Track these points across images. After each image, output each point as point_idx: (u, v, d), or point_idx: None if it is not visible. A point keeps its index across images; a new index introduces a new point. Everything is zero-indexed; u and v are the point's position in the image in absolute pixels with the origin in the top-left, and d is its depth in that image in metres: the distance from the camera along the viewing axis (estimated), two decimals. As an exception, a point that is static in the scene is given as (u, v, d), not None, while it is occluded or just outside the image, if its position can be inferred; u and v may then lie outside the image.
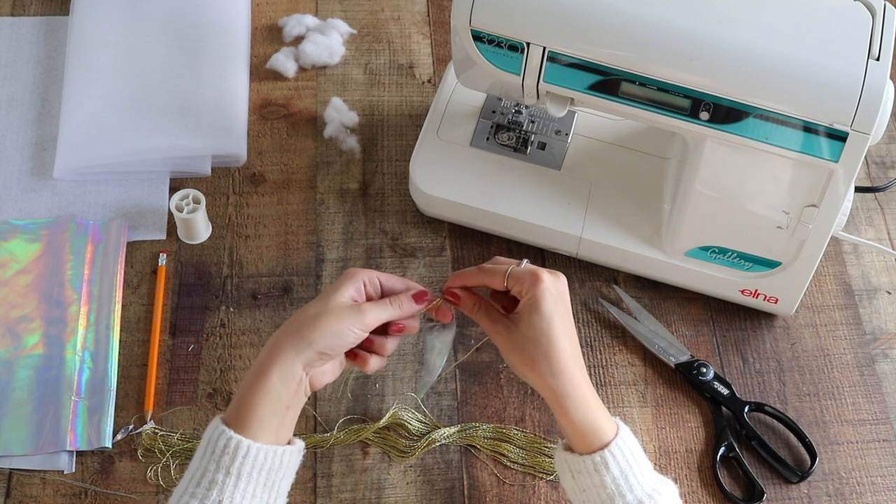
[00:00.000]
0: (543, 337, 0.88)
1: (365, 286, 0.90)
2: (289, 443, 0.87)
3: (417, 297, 0.91)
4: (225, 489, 0.82)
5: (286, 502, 0.87)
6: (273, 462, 0.84)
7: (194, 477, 0.83)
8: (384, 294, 0.92)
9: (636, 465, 0.88)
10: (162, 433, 1.04)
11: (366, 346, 0.91)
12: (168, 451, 1.03)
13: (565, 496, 1.01)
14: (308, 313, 0.87)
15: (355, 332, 0.87)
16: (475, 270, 0.93)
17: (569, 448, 0.90)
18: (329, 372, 0.89)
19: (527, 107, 1.19)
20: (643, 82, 0.98)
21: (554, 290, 0.89)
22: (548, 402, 0.89)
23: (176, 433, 1.04)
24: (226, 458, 0.82)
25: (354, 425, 1.05)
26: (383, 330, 0.91)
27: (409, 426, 1.05)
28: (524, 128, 1.18)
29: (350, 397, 1.07)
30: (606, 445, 0.87)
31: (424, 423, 1.06)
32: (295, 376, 0.85)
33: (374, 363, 0.92)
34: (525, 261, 0.92)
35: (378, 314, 0.88)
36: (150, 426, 1.04)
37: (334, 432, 1.05)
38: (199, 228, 1.16)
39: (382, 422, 1.05)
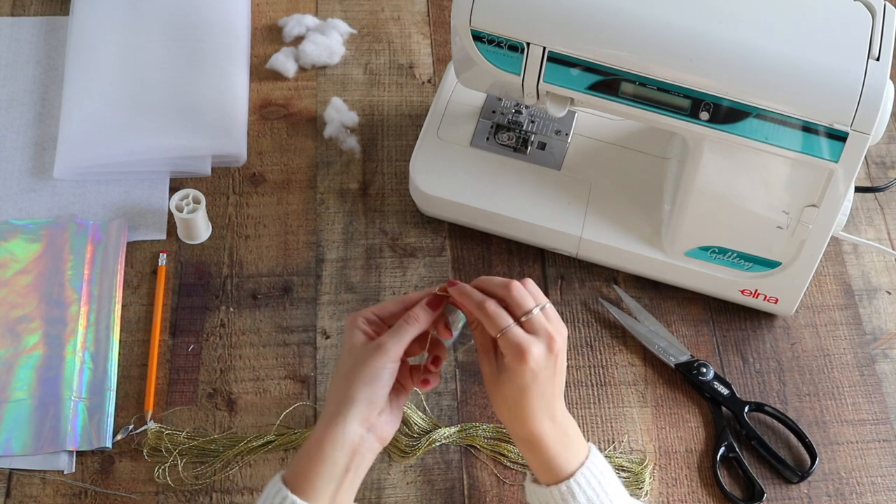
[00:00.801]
0: (512, 399, 0.87)
1: (369, 323, 0.89)
2: None
3: (432, 303, 0.90)
4: None
5: None
6: None
7: None
8: (387, 321, 0.91)
9: (607, 488, 0.87)
10: (168, 432, 1.04)
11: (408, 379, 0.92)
12: (175, 450, 1.03)
13: None
14: (340, 375, 0.87)
15: (387, 367, 0.86)
16: (480, 302, 0.88)
17: (536, 480, 0.90)
18: (389, 419, 0.88)
19: (527, 107, 1.19)
20: (643, 82, 0.98)
21: (539, 368, 0.86)
22: (513, 440, 0.90)
23: (182, 431, 1.04)
24: None
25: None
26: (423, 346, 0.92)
27: (412, 421, 1.05)
28: (524, 128, 1.18)
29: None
30: (572, 475, 0.87)
31: (426, 420, 1.06)
32: (350, 441, 0.85)
33: (432, 381, 0.92)
34: (541, 306, 0.87)
35: (397, 339, 0.87)
36: (155, 426, 1.04)
37: None
38: (199, 228, 1.16)
39: None
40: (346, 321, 0.90)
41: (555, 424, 0.88)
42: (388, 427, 0.88)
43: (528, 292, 0.88)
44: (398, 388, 0.90)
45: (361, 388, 0.85)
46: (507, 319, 0.86)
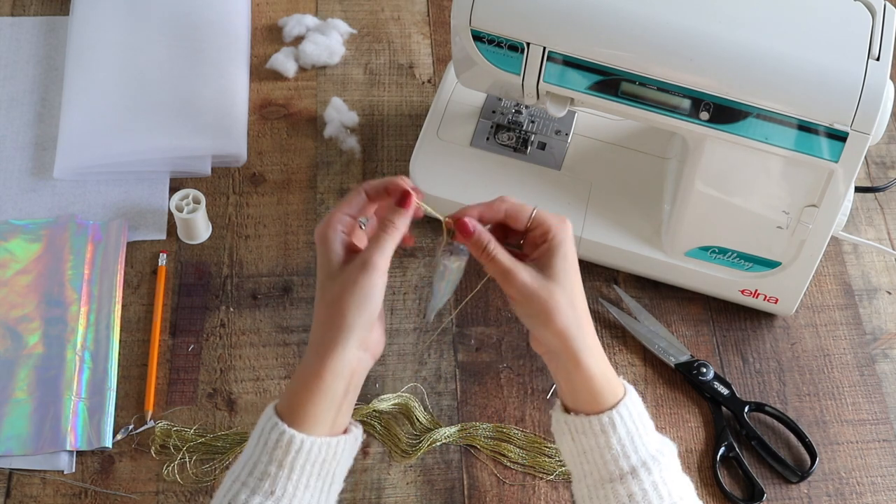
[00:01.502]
0: (569, 284, 0.84)
1: (344, 231, 0.85)
2: (345, 430, 0.85)
3: (401, 202, 0.84)
4: (278, 481, 0.80)
5: (341, 487, 0.85)
6: (328, 454, 0.82)
7: (246, 466, 0.82)
8: (357, 216, 0.87)
9: (642, 426, 0.86)
10: (176, 429, 1.04)
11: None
12: (183, 447, 1.03)
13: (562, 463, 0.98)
14: (327, 301, 0.83)
15: (378, 284, 0.82)
16: (496, 202, 0.86)
17: (568, 410, 0.87)
18: (380, 331, 0.86)
19: (527, 107, 1.19)
20: (643, 82, 0.98)
21: (571, 236, 0.86)
22: (561, 357, 0.85)
23: (191, 428, 1.04)
24: (279, 451, 0.81)
25: (359, 405, 1.06)
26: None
27: (415, 415, 1.05)
28: (524, 128, 1.18)
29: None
30: (615, 406, 0.85)
31: (427, 419, 1.06)
32: (348, 367, 0.82)
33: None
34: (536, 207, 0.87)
35: (382, 252, 0.82)
36: (162, 423, 1.04)
37: None
38: (199, 228, 1.16)
39: (393, 398, 1.06)
40: (315, 232, 0.84)
41: (596, 343, 0.86)
42: (380, 340, 0.86)
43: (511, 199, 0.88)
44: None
45: (356, 314, 0.81)
46: (529, 206, 0.86)
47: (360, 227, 0.88)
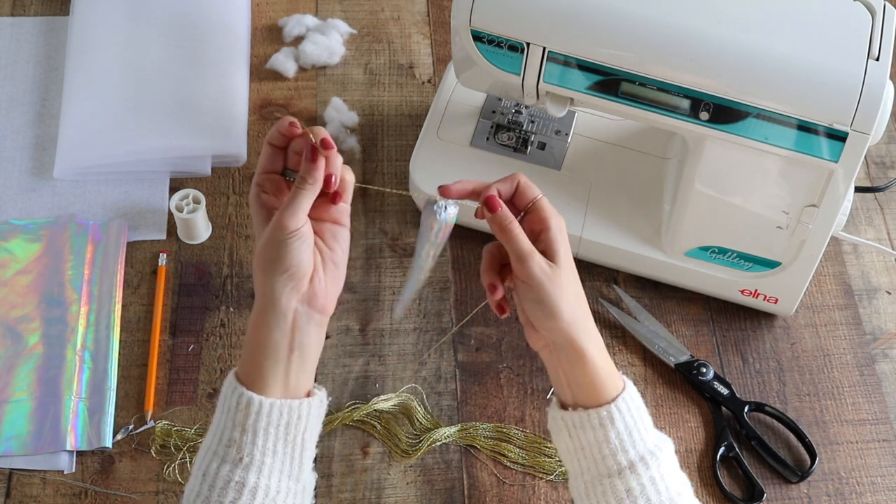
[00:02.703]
0: (573, 276, 0.85)
1: (264, 186, 0.85)
2: (309, 394, 0.85)
3: (313, 156, 0.83)
4: (244, 446, 0.80)
5: (315, 454, 0.85)
6: (290, 416, 0.82)
7: (216, 435, 0.82)
8: (280, 167, 0.86)
9: (640, 420, 0.86)
10: (176, 429, 1.04)
11: (331, 222, 0.86)
12: (184, 447, 1.03)
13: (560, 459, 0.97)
14: (255, 264, 0.83)
15: (290, 241, 0.81)
16: (511, 177, 0.87)
17: (564, 406, 0.87)
18: (327, 281, 0.84)
19: (527, 107, 1.19)
20: (643, 82, 0.98)
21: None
22: (564, 349, 0.85)
23: (191, 428, 1.04)
24: (239, 415, 0.81)
25: (358, 404, 1.06)
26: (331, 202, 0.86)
27: (416, 415, 1.05)
28: (524, 128, 1.18)
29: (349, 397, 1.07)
30: (614, 399, 0.85)
31: (427, 418, 1.06)
32: (284, 318, 0.82)
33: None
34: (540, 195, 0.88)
35: (291, 210, 0.81)
36: (163, 423, 1.04)
37: (342, 411, 1.05)
38: (199, 228, 1.16)
39: (393, 398, 1.06)
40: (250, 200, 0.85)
41: (597, 334, 0.87)
42: (329, 291, 0.84)
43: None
44: (329, 235, 0.86)
45: (274, 271, 0.81)
46: (537, 190, 0.87)
47: (288, 180, 0.86)
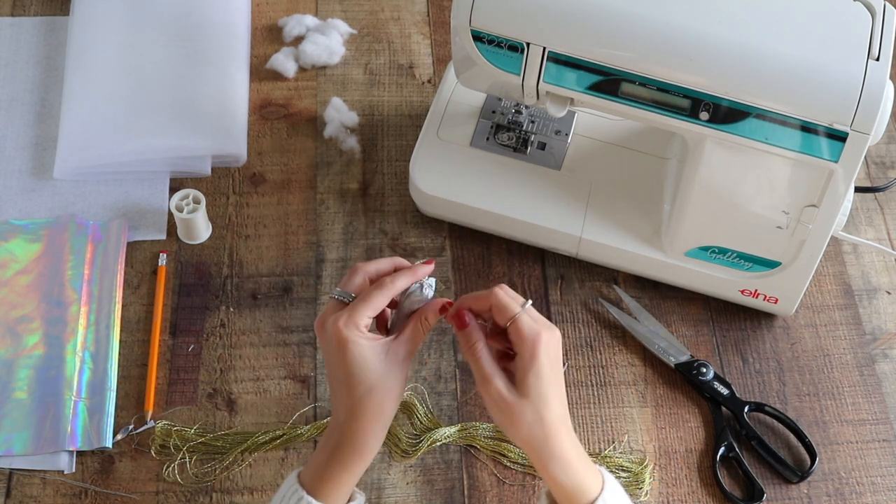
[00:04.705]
0: (540, 399, 0.84)
1: (367, 330, 0.87)
2: (351, 498, 0.88)
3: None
4: None
5: None
6: None
7: None
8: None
9: None
10: (176, 429, 1.04)
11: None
12: (184, 447, 1.03)
13: None
14: (359, 394, 0.85)
15: (394, 370, 0.86)
16: (487, 294, 0.87)
17: (553, 501, 0.87)
18: (397, 399, 0.88)
19: (527, 107, 1.19)
20: (643, 82, 0.98)
21: (551, 350, 0.85)
22: (531, 460, 0.87)
23: (191, 428, 1.04)
24: None
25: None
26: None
27: (416, 415, 1.05)
28: (524, 128, 1.18)
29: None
30: (595, 499, 0.84)
31: (428, 418, 1.06)
32: (371, 452, 0.86)
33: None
34: (529, 302, 0.86)
35: (405, 344, 0.87)
36: (162, 423, 1.04)
37: None
38: (199, 228, 1.16)
39: None
40: (330, 329, 0.85)
41: (572, 436, 0.86)
42: (395, 409, 0.87)
43: (508, 293, 0.87)
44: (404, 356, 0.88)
45: (389, 399, 0.85)
46: (514, 300, 0.86)
47: (346, 301, 0.88)
